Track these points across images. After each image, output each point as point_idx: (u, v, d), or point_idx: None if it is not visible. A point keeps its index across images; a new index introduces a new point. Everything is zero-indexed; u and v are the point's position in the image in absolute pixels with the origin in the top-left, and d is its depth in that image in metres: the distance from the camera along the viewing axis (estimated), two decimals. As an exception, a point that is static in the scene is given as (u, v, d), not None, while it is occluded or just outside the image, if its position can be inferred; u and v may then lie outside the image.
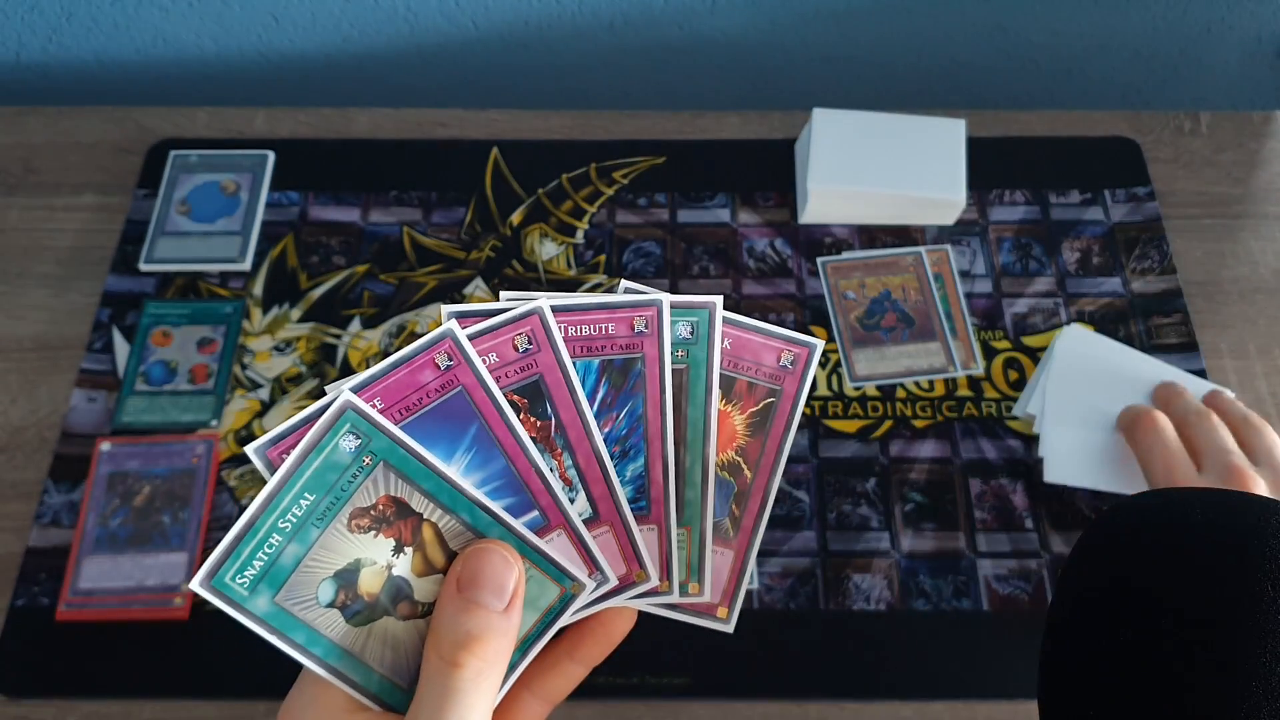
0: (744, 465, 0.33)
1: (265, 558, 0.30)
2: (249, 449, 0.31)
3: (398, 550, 0.31)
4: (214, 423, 0.63)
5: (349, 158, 0.75)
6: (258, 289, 0.69)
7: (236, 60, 0.84)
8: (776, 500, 0.61)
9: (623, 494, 0.32)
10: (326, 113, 0.78)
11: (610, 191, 0.73)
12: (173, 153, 0.74)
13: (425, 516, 0.31)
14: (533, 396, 0.32)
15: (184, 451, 0.61)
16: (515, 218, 0.72)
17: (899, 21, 0.82)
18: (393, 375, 0.31)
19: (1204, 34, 0.83)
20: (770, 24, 0.82)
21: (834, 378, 0.65)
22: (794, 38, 0.83)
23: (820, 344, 0.34)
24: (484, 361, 0.32)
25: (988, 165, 0.73)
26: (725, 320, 0.34)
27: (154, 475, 0.60)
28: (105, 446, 0.61)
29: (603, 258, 0.70)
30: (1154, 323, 0.67)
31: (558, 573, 0.31)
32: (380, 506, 0.31)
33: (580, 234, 0.71)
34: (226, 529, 0.59)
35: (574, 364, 0.33)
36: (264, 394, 0.64)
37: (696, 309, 0.34)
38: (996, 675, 0.56)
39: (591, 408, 0.33)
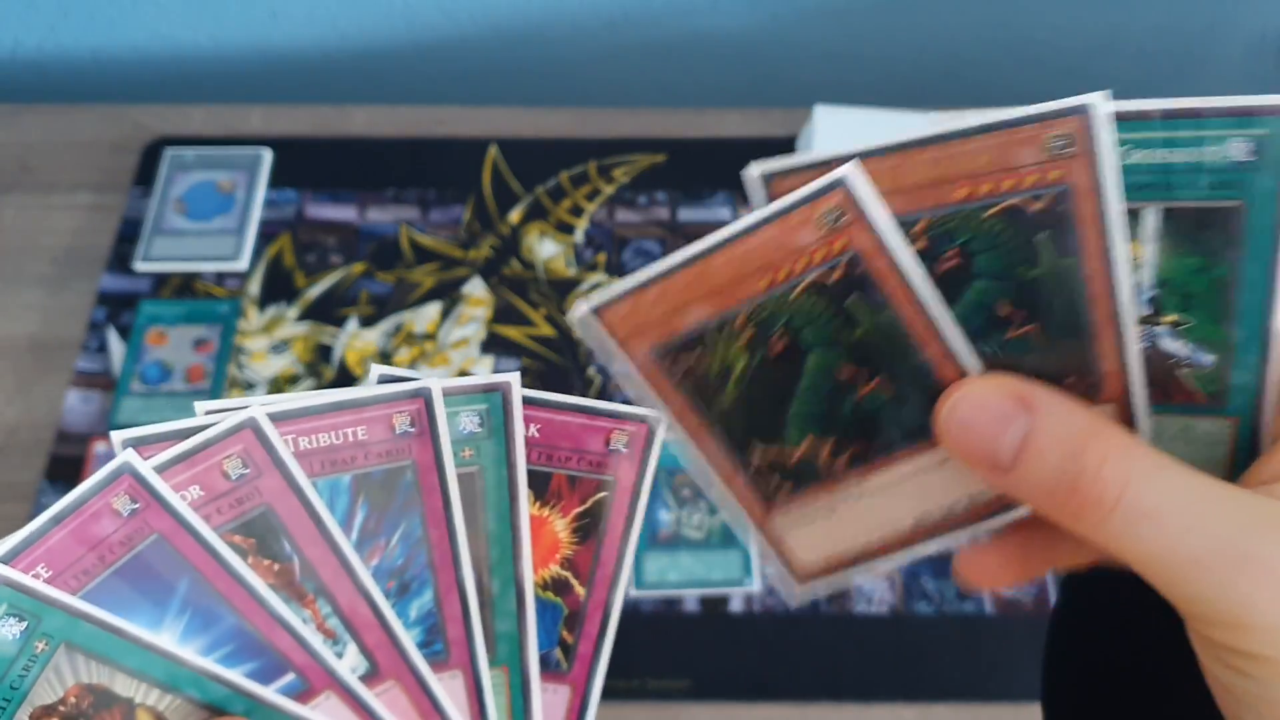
0: (573, 580, 0.27)
1: None
2: None
3: None
4: (210, 423, 0.62)
5: (346, 156, 0.74)
6: (254, 288, 0.68)
7: (233, 57, 0.83)
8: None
9: (407, 639, 0.25)
10: (323, 110, 0.77)
11: (610, 190, 0.73)
12: (169, 150, 0.73)
13: (138, 701, 0.24)
14: (262, 534, 0.25)
15: (180, 452, 0.61)
16: (514, 216, 0.72)
17: (901, 18, 0.81)
18: (55, 533, 0.24)
19: (1208, 31, 0.83)
20: (772, 20, 0.81)
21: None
22: (796, 34, 0.82)
23: (661, 419, 0.26)
24: (184, 498, 0.24)
25: (990, 163, 0.72)
26: (527, 401, 0.26)
27: (150, 476, 0.60)
28: (101, 447, 0.60)
29: (603, 256, 0.70)
30: (1158, 322, 0.67)
31: None
32: (72, 700, 0.24)
33: (580, 232, 0.71)
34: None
35: (313, 485, 0.25)
36: (260, 394, 0.64)
37: (482, 394, 0.26)
38: (999, 678, 0.55)
39: (349, 537, 0.25)
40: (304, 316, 0.67)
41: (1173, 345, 0.24)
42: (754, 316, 0.25)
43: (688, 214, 0.72)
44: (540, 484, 0.27)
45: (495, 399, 0.26)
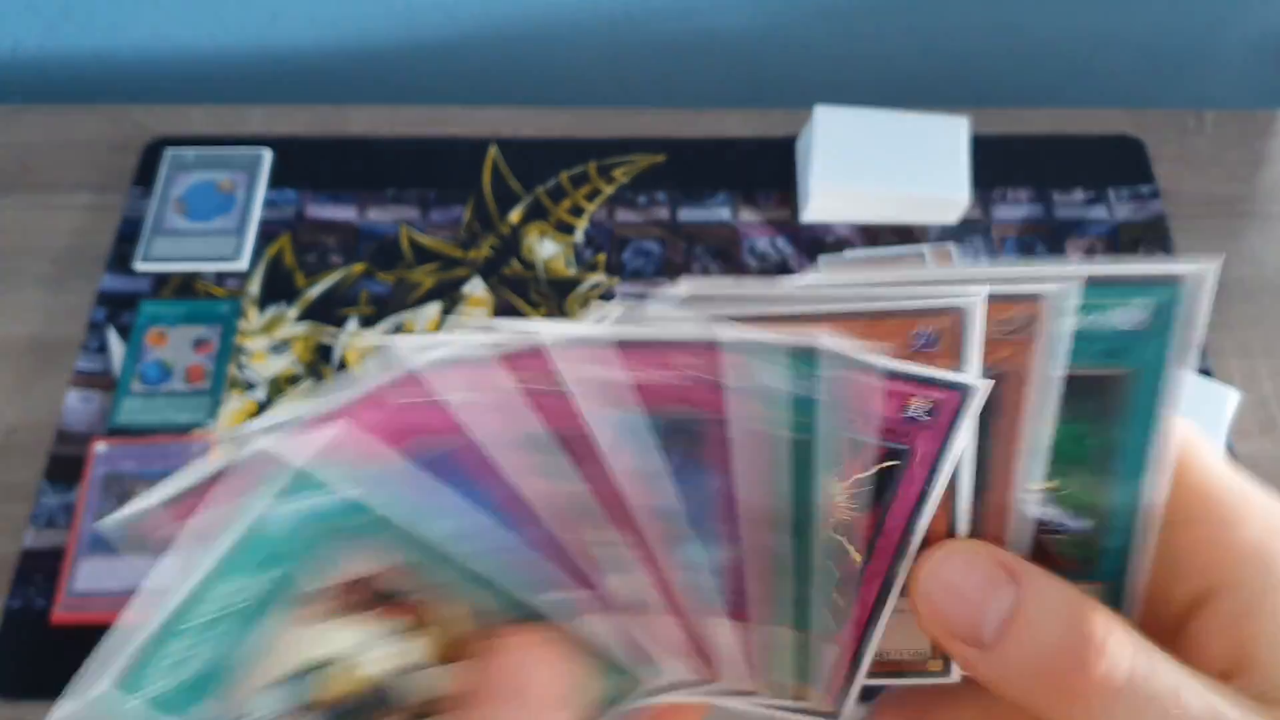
0: (849, 546, 0.25)
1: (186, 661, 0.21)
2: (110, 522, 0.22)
3: (399, 635, 0.23)
4: (210, 423, 0.62)
5: (346, 156, 0.74)
6: (254, 288, 0.68)
7: (233, 57, 0.83)
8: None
9: (697, 580, 0.24)
10: (323, 110, 0.77)
11: (610, 190, 0.73)
12: (168, 151, 0.73)
13: (438, 591, 0.23)
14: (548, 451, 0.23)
15: (180, 452, 0.61)
16: (514, 216, 0.72)
17: (902, 18, 0.81)
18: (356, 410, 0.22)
19: (1210, 31, 0.82)
20: (772, 20, 0.81)
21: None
22: (796, 34, 0.82)
23: (979, 388, 0.22)
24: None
25: (991, 163, 0.72)
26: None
27: (150, 476, 0.60)
28: (101, 447, 0.60)
29: (602, 256, 0.70)
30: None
31: (614, 665, 0.24)
32: (391, 578, 0.22)
33: (580, 232, 0.71)
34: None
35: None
36: (260, 394, 0.64)
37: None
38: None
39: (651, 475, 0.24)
40: (304, 316, 0.67)
41: (1045, 511, 0.23)
42: None
43: (688, 214, 0.72)
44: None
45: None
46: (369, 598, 0.22)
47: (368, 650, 0.22)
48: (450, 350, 0.22)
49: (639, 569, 0.24)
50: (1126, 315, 0.23)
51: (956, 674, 0.25)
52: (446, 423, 0.22)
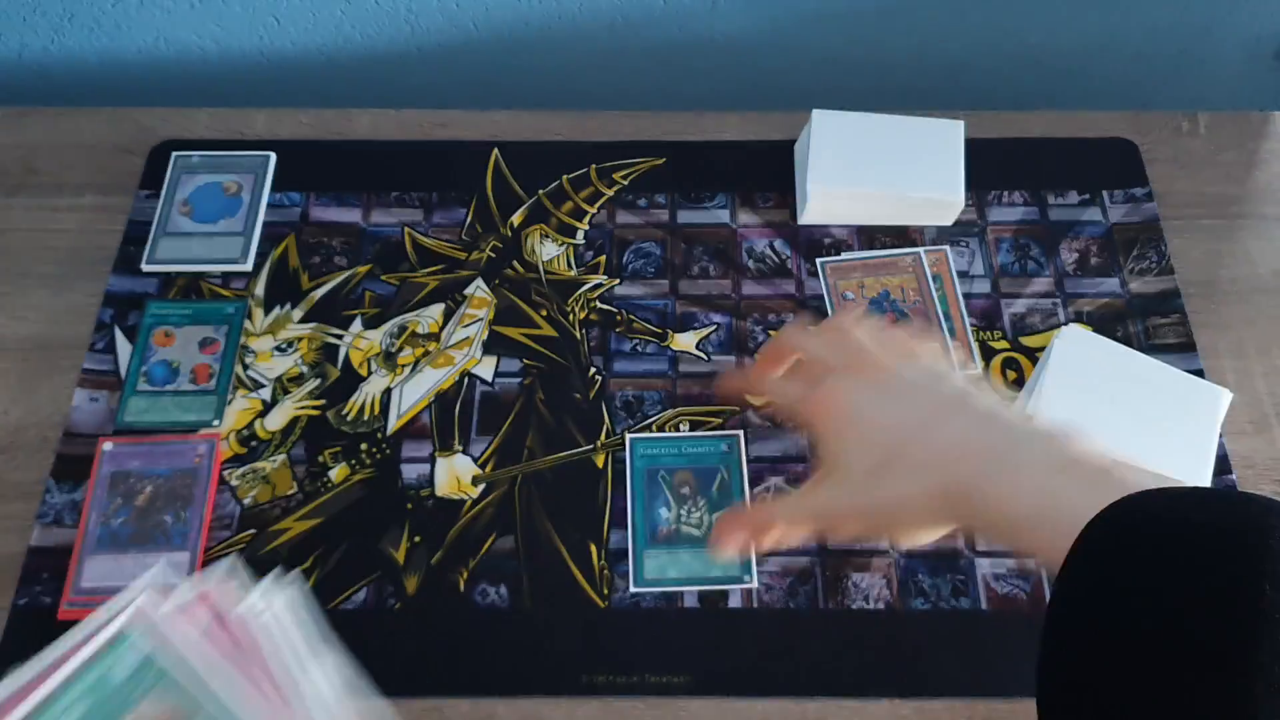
0: None
1: None
2: None
3: None
4: (216, 422, 0.63)
5: (350, 159, 0.75)
6: (259, 289, 0.69)
7: (238, 61, 0.84)
8: (775, 499, 0.61)
9: None
10: (327, 114, 0.78)
11: (610, 192, 0.74)
12: (174, 153, 0.74)
13: None
14: None
15: (186, 451, 0.61)
16: (516, 218, 0.72)
17: (898, 22, 0.82)
18: None
19: (1203, 34, 0.83)
20: (770, 25, 0.82)
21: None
22: (794, 38, 0.83)
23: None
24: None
25: (986, 166, 0.73)
26: None
27: (156, 475, 0.60)
28: (107, 446, 0.61)
29: (603, 258, 0.70)
30: (1152, 323, 0.68)
31: None
32: None
33: (580, 234, 0.72)
34: (228, 528, 0.60)
35: None
36: (266, 394, 0.65)
37: None
38: (995, 674, 0.56)
39: None
40: (308, 317, 0.68)
41: None
42: None
43: (687, 216, 0.73)
44: None
45: None
46: None
47: None
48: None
49: None
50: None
51: None
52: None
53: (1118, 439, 0.64)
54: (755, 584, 0.58)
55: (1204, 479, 0.60)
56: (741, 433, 0.63)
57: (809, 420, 0.45)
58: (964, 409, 0.41)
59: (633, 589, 0.58)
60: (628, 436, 0.63)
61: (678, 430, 0.63)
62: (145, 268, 0.69)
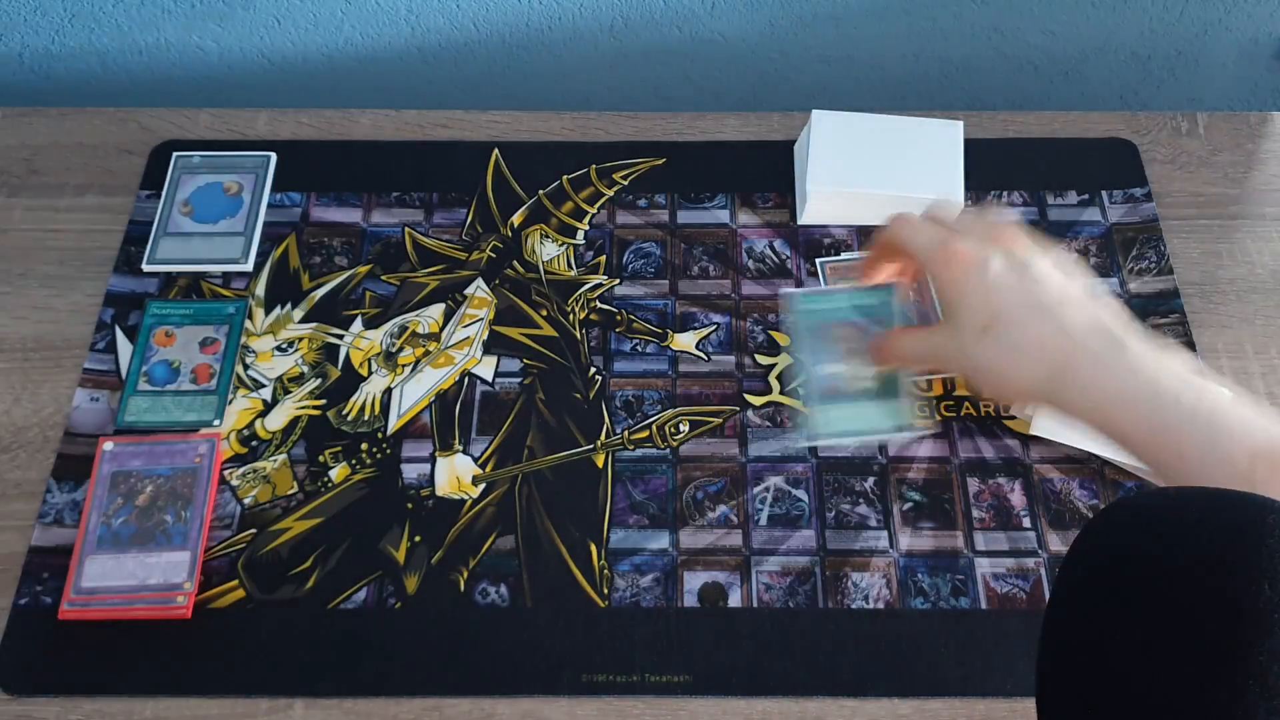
0: None
1: None
2: None
3: None
4: (216, 422, 0.63)
5: (351, 159, 0.75)
6: (260, 289, 0.69)
7: (239, 62, 0.84)
8: (775, 499, 0.62)
9: None
10: (328, 114, 0.78)
11: (610, 193, 0.74)
12: (175, 154, 0.74)
13: None
14: None
15: (186, 451, 0.61)
16: (516, 219, 0.73)
17: (897, 23, 0.82)
18: None
19: (1201, 35, 0.83)
20: (769, 26, 0.82)
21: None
22: (793, 40, 0.83)
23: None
24: None
25: (985, 166, 0.73)
26: None
27: (157, 474, 0.61)
28: (108, 446, 0.61)
29: (603, 258, 0.71)
30: (1151, 323, 0.68)
31: None
32: None
33: (580, 235, 0.72)
34: (229, 528, 0.60)
35: None
36: (266, 394, 0.65)
37: None
38: (994, 673, 0.56)
39: None
40: (309, 317, 0.68)
41: None
42: None
43: (687, 216, 0.73)
44: None
45: None
46: None
47: None
48: None
49: None
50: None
51: None
52: None
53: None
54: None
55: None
56: (895, 285, 0.56)
57: (940, 267, 0.48)
58: (1085, 307, 0.45)
59: (803, 443, 0.62)
60: (786, 291, 0.66)
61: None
62: (146, 268, 0.69)
